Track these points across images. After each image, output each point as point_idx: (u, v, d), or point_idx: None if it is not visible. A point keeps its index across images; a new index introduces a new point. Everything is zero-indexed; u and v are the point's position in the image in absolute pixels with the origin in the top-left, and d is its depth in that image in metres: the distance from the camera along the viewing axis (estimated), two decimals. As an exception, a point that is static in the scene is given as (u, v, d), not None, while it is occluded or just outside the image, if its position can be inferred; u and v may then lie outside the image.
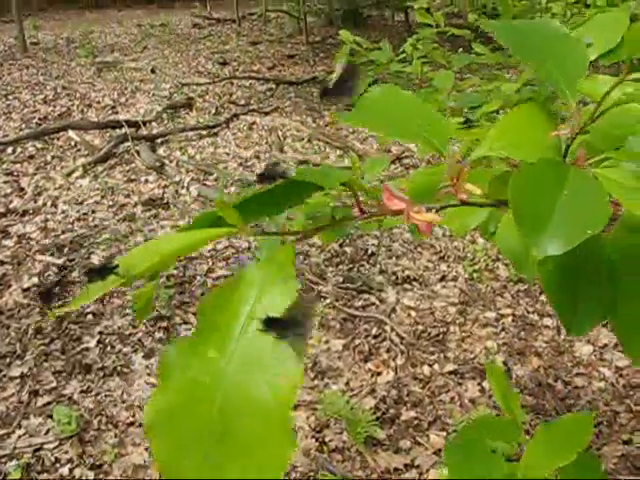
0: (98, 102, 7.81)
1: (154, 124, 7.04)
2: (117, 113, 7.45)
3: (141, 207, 4.90)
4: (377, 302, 3.66)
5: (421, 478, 2.51)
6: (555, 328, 3.36)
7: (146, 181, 5.43)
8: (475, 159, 0.71)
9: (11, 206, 4.86)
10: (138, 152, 5.99)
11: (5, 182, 5.33)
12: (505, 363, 3.14)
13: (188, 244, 0.57)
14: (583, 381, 3.01)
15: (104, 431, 2.72)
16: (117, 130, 6.60)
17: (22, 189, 5.21)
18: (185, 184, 5.31)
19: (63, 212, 4.78)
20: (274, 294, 0.52)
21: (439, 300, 3.68)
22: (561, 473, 1.11)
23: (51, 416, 2.77)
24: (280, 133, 6.77)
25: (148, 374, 3.05)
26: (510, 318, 3.48)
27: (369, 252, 4.18)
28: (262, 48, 11.63)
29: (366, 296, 3.72)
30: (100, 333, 3.34)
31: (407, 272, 3.94)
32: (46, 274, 3.85)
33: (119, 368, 3.08)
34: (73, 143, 6.31)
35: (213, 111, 7.60)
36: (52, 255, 4.09)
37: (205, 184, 5.39)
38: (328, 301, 3.64)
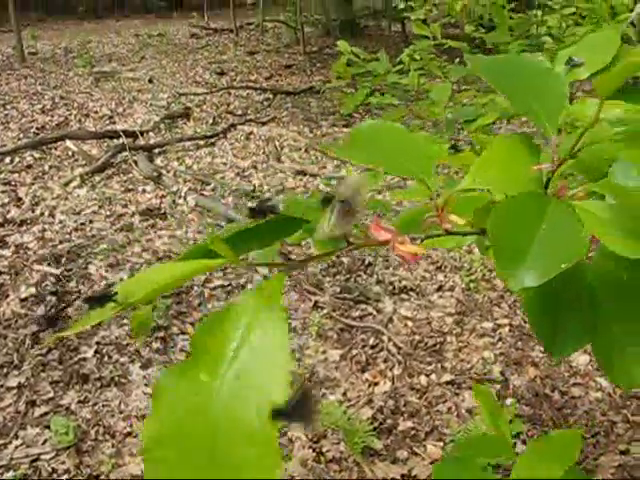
0: (96, 112, 7.83)
1: (151, 134, 7.06)
2: (115, 123, 7.46)
3: (138, 217, 4.91)
4: (374, 312, 3.67)
5: (418, 488, 2.51)
6: (552, 338, 3.36)
7: (143, 191, 5.44)
8: (459, 191, 0.73)
9: (9, 216, 4.86)
10: (136, 162, 6.01)
11: (3, 192, 5.34)
12: (502, 373, 3.15)
13: (183, 274, 0.59)
14: (580, 391, 3.02)
15: (101, 441, 2.71)
16: (115, 140, 6.61)
17: (20, 199, 5.22)
18: (182, 194, 5.32)
19: (61, 222, 4.79)
20: (263, 321, 0.54)
21: (436, 310, 3.69)
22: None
23: (48, 426, 2.77)
24: (277, 143, 6.79)
25: (145, 384, 3.05)
26: (507, 328, 3.49)
27: (366, 262, 4.19)
28: (259, 58, 11.68)
29: (363, 306, 3.72)
30: (97, 343, 3.34)
31: (404, 282, 3.95)
32: (43, 284, 3.85)
33: (116, 378, 3.08)
34: (71, 153, 6.32)
35: (210, 121, 7.62)
36: (49, 265, 4.09)
37: (202, 194, 5.40)
38: (325, 311, 3.64)
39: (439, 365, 3.22)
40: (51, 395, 2.97)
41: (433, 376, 3.14)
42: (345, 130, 7.30)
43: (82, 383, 3.05)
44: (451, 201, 0.71)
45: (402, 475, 2.57)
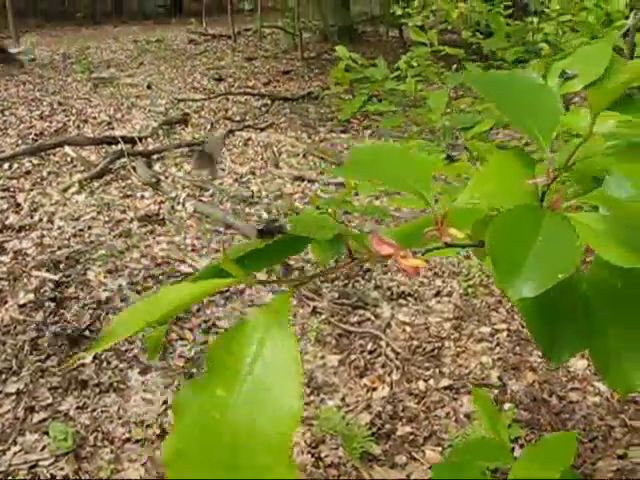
0: (94, 118, 7.84)
1: (150, 140, 7.07)
2: (113, 129, 7.48)
3: (137, 223, 4.92)
4: (372, 317, 3.67)
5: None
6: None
7: (142, 197, 5.45)
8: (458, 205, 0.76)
9: (7, 222, 4.87)
10: (134, 168, 6.02)
11: (1, 198, 5.34)
12: (500, 378, 3.15)
13: (198, 294, 0.62)
14: (578, 396, 3.02)
15: (100, 447, 2.72)
16: (113, 146, 6.63)
17: (18, 205, 5.22)
18: (181, 200, 5.32)
19: (59, 228, 4.79)
20: (274, 337, 0.58)
21: (434, 315, 3.70)
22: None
23: (47, 432, 2.77)
24: (275, 149, 6.81)
25: (144, 390, 3.05)
26: (505, 333, 3.50)
27: (364, 267, 4.20)
28: (257, 64, 11.71)
29: (361, 312, 3.73)
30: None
31: (402, 287, 3.96)
32: (42, 290, 3.85)
33: (115, 384, 3.08)
34: (69, 159, 6.33)
35: (209, 127, 7.64)
36: (48, 271, 4.09)
37: (201, 200, 5.41)
38: (324, 317, 3.65)
39: (437, 370, 3.22)
40: (50, 401, 2.97)
41: (431, 381, 3.14)
42: (343, 136, 7.32)
43: (81, 389, 3.06)
44: (450, 215, 0.74)
45: (400, 480, 2.57)
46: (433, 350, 3.38)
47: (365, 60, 2.79)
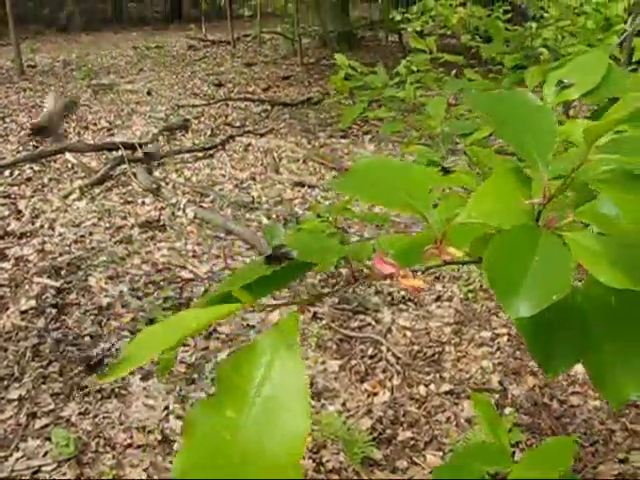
0: (95, 124, 7.86)
1: (150, 146, 7.08)
2: (113, 135, 7.49)
3: (138, 229, 4.93)
4: (373, 323, 3.68)
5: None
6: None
7: (143, 203, 5.46)
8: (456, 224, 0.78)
9: (9, 229, 4.88)
10: (134, 174, 6.03)
11: (2, 205, 5.36)
12: (501, 383, 3.16)
13: (209, 319, 0.64)
14: (579, 400, 3.03)
15: (102, 453, 2.72)
16: (113, 152, 6.64)
17: (19, 212, 5.24)
18: (181, 206, 5.34)
19: (60, 234, 4.80)
20: (282, 359, 0.59)
21: (434, 320, 3.71)
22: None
23: (49, 438, 2.78)
24: (275, 154, 6.82)
25: (146, 396, 3.06)
26: (505, 337, 3.51)
27: (364, 273, 4.20)
28: (257, 69, 11.73)
29: (362, 317, 3.74)
30: (98, 355, 3.35)
31: (402, 292, 3.97)
32: (44, 296, 3.86)
33: (117, 390, 3.09)
34: (70, 165, 6.34)
35: (209, 133, 7.66)
36: (49, 277, 4.10)
37: (201, 206, 5.42)
38: (324, 322, 3.66)
39: (438, 375, 3.23)
40: (52, 407, 2.98)
41: (432, 386, 3.15)
42: (343, 141, 7.34)
43: (83, 395, 3.06)
44: (449, 233, 0.76)
45: (402, 485, 2.58)
46: (434, 355, 3.39)
47: (364, 68, 2.80)
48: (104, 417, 2.92)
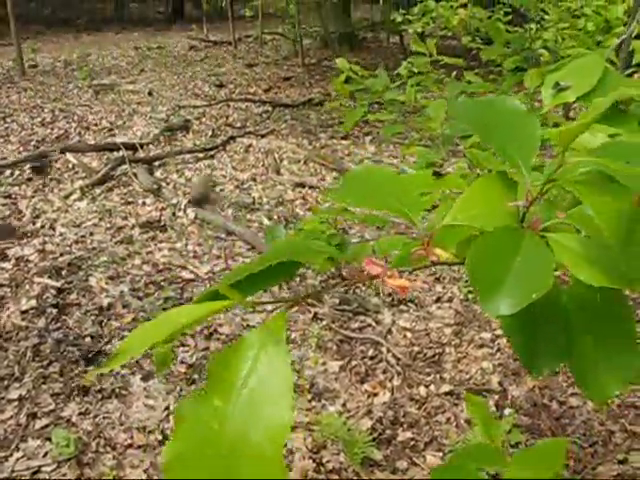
0: (95, 125, 7.86)
1: (151, 146, 7.10)
2: (114, 136, 7.50)
3: (138, 229, 4.94)
4: (373, 324, 3.69)
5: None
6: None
7: (143, 204, 5.47)
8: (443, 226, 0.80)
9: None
10: (135, 175, 6.04)
11: (3, 205, 5.36)
12: (500, 383, 3.17)
13: (201, 315, 0.66)
14: (578, 401, 3.03)
15: (102, 453, 2.73)
16: (114, 153, 6.65)
17: (20, 212, 5.24)
18: (182, 206, 5.34)
19: (61, 235, 4.81)
20: (269, 353, 0.62)
21: (435, 321, 3.71)
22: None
23: (49, 439, 2.78)
24: (276, 155, 6.83)
25: (146, 396, 3.06)
26: (505, 339, 3.50)
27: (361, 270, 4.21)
28: (258, 70, 11.73)
29: (362, 318, 3.74)
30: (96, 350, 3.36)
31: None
32: (44, 296, 3.87)
33: (117, 390, 3.09)
34: (71, 166, 6.35)
35: (210, 134, 7.66)
36: (50, 278, 4.11)
37: (202, 207, 5.42)
38: (325, 323, 3.66)
39: (438, 376, 3.24)
40: (52, 407, 2.99)
41: (432, 387, 3.16)
42: (344, 142, 7.34)
43: (83, 395, 3.07)
44: (435, 235, 0.79)
45: (401, 486, 2.58)
46: (434, 356, 3.39)
47: (365, 71, 2.80)
48: (104, 417, 2.93)
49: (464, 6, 4.66)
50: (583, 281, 0.66)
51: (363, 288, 4.06)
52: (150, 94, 9.51)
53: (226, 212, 5.35)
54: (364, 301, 3.88)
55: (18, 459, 2.70)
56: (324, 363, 3.33)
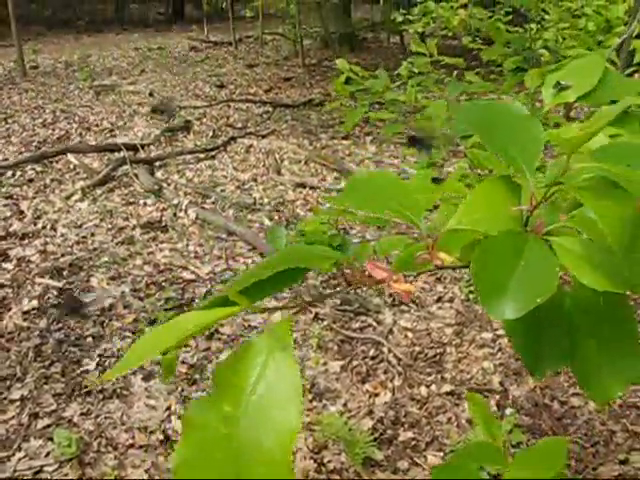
0: (97, 125, 7.87)
1: (152, 147, 7.10)
2: (115, 136, 7.50)
3: (140, 230, 4.94)
4: (374, 324, 3.69)
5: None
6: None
7: (144, 204, 5.47)
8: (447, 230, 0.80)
9: (11, 229, 4.89)
10: (136, 175, 6.04)
11: (5, 205, 5.37)
12: (502, 383, 3.17)
13: (208, 321, 0.67)
14: (579, 401, 3.03)
15: (104, 453, 2.73)
16: (115, 153, 6.66)
17: (22, 212, 5.25)
18: (183, 207, 5.35)
19: (62, 235, 4.82)
20: (277, 359, 0.62)
21: (436, 321, 3.71)
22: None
23: (51, 438, 2.79)
24: (277, 156, 6.83)
25: (147, 396, 3.07)
26: (506, 339, 3.51)
27: (366, 274, 4.21)
28: (259, 71, 11.74)
29: (363, 318, 3.75)
30: (100, 356, 3.36)
31: (404, 293, 3.97)
32: (46, 297, 3.87)
33: (119, 390, 3.10)
34: (72, 166, 6.35)
35: (210, 134, 7.66)
36: (52, 278, 4.12)
37: (203, 207, 5.43)
38: (326, 323, 3.66)
39: (439, 376, 3.24)
40: (54, 407, 2.99)
41: (433, 387, 3.16)
42: (345, 142, 7.34)
43: (84, 395, 3.07)
44: (440, 239, 0.80)
45: (403, 485, 2.58)
46: (435, 356, 3.40)
47: (365, 72, 2.81)
48: (106, 417, 2.93)
49: (464, 6, 4.66)
50: (587, 285, 0.66)
51: (364, 288, 4.06)
52: (151, 95, 9.52)
53: (227, 212, 5.35)
54: (365, 301, 3.89)
55: (20, 459, 2.71)
56: (325, 363, 3.33)
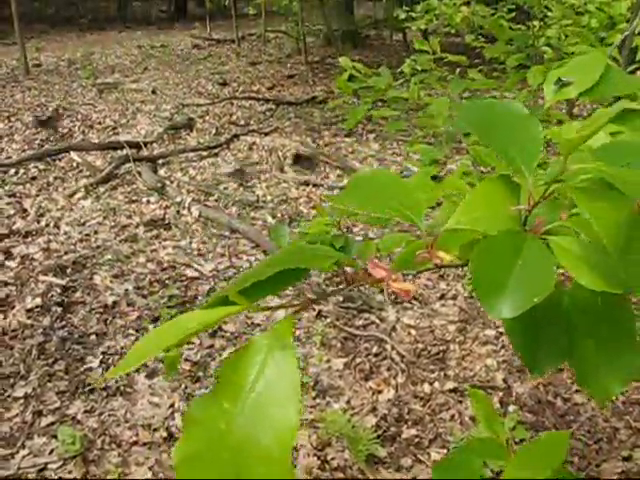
0: (99, 123, 7.87)
1: (155, 145, 7.11)
2: (118, 134, 7.51)
3: (143, 228, 4.95)
4: (377, 321, 3.69)
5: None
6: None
7: (148, 202, 5.48)
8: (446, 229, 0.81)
9: (14, 227, 4.90)
10: (139, 173, 6.05)
11: (8, 203, 5.38)
12: (505, 380, 3.17)
13: (210, 321, 0.68)
14: (582, 398, 3.04)
15: (108, 451, 2.74)
16: (118, 151, 6.66)
17: (25, 210, 5.26)
18: (186, 205, 5.35)
19: (66, 233, 4.82)
20: (276, 358, 0.63)
21: (439, 318, 3.71)
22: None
23: (55, 436, 2.79)
24: (280, 153, 6.83)
25: (151, 394, 3.07)
26: (509, 336, 3.51)
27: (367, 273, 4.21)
28: (261, 68, 11.74)
29: (366, 315, 3.75)
30: (103, 353, 3.37)
31: (407, 291, 3.97)
32: (49, 295, 3.88)
33: (122, 388, 3.11)
34: (75, 164, 6.36)
35: (213, 132, 7.66)
36: (55, 276, 4.12)
37: (206, 205, 5.43)
38: (329, 320, 3.67)
39: (442, 373, 3.24)
40: (57, 405, 3.00)
41: (436, 384, 3.16)
42: (348, 140, 7.34)
43: (88, 393, 3.08)
44: (439, 239, 0.81)
45: (406, 482, 2.59)
46: (438, 353, 3.40)
47: (368, 69, 2.81)
48: (110, 415, 2.94)
49: (467, 4, 4.66)
50: (584, 285, 0.67)
51: (367, 285, 4.05)
52: (154, 92, 9.52)
53: (230, 210, 5.35)
54: (368, 298, 3.89)
55: (24, 456, 2.72)
56: (328, 360, 3.34)
